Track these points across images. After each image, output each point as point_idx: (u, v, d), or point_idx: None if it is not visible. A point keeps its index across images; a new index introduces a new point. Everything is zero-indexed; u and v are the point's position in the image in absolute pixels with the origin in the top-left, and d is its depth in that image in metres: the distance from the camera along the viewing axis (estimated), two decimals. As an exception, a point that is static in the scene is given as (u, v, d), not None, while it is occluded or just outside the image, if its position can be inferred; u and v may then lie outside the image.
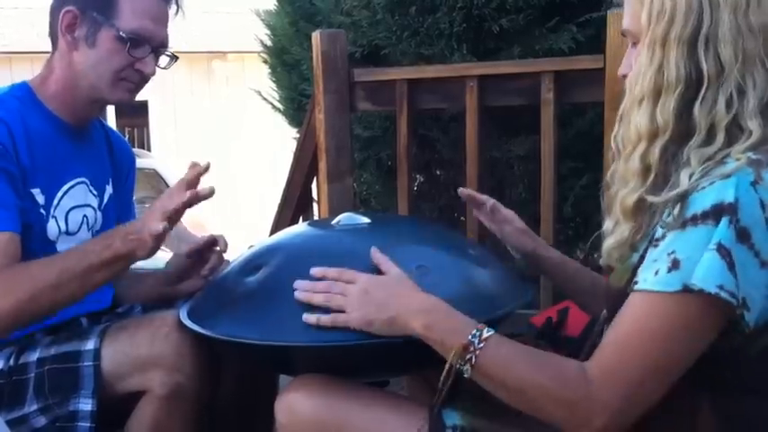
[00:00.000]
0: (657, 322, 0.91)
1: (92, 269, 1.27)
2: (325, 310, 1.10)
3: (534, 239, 1.40)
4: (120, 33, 1.39)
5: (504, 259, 1.38)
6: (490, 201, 1.42)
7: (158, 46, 1.45)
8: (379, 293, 1.07)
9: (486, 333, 0.98)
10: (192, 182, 1.27)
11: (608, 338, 0.95)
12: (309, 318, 1.10)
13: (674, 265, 0.90)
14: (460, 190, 1.47)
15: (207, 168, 1.29)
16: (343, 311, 1.08)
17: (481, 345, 0.97)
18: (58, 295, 1.28)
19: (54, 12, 1.43)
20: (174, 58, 1.51)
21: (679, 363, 0.92)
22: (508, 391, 0.98)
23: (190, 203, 1.24)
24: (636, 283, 0.93)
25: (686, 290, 0.88)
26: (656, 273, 0.91)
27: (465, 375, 0.99)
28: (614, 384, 0.92)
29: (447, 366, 0.99)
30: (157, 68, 1.47)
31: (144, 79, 1.46)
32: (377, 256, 1.15)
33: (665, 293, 0.90)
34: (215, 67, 10.36)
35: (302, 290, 1.12)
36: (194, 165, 1.30)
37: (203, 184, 1.27)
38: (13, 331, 1.33)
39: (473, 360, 0.97)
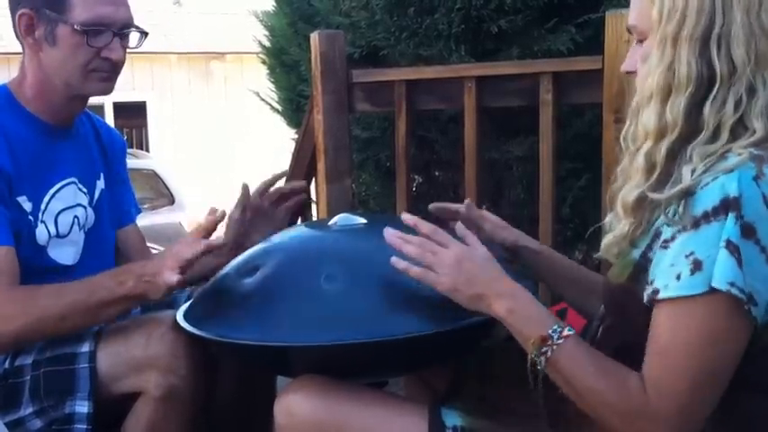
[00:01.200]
0: (692, 328, 0.90)
1: (101, 305, 1.28)
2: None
3: (514, 232, 1.38)
4: (75, 27, 1.36)
5: (503, 260, 1.37)
6: (464, 203, 1.41)
7: (121, 28, 1.41)
8: (470, 267, 1.07)
9: (567, 331, 0.99)
10: (208, 229, 1.29)
11: (650, 351, 0.94)
12: (399, 263, 1.09)
13: (696, 266, 0.89)
14: (430, 206, 1.46)
15: (222, 217, 1.31)
16: (431, 270, 1.07)
17: (560, 341, 0.98)
18: (62, 326, 1.29)
19: (12, 15, 1.41)
20: (143, 33, 1.47)
21: (724, 364, 0.92)
22: (574, 392, 0.98)
23: (204, 254, 1.25)
24: (657, 291, 0.93)
25: (712, 290, 0.88)
26: (679, 277, 0.90)
27: (539, 367, 0.99)
28: (668, 397, 0.91)
29: (530, 358, 0.99)
30: (133, 49, 1.45)
31: (115, 66, 1.42)
32: (462, 230, 1.14)
33: (692, 297, 0.89)
34: (213, 67, 10.36)
35: (395, 235, 1.11)
36: (213, 211, 1.31)
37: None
38: (11, 351, 1.33)
39: (548, 353, 0.98)
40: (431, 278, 1.07)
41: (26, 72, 1.43)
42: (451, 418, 1.10)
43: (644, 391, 0.93)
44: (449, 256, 1.08)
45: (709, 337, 0.90)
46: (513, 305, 1.03)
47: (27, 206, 1.38)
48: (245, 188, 1.60)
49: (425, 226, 1.12)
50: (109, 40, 1.39)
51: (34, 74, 1.42)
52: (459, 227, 1.15)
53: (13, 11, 1.40)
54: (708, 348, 0.90)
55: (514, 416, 1.11)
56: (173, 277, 1.22)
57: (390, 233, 1.11)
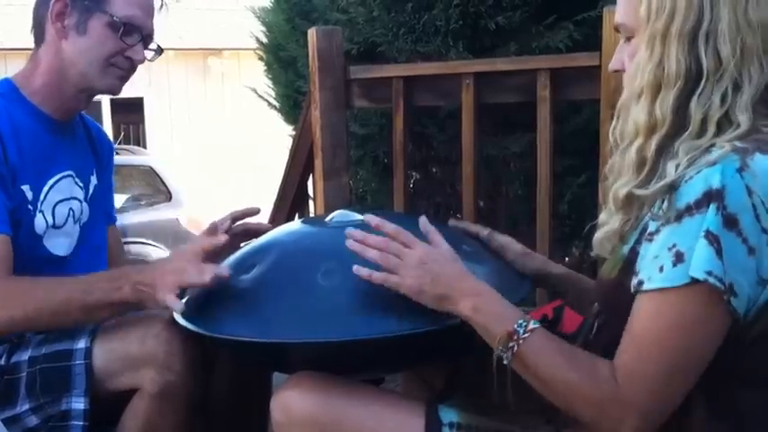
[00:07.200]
0: (670, 318, 0.91)
1: (95, 306, 1.28)
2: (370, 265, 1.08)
3: (537, 259, 1.37)
4: (114, 18, 1.40)
5: (500, 256, 1.37)
6: (484, 231, 1.39)
7: (147, 35, 1.47)
8: (435, 266, 1.07)
9: (532, 325, 0.99)
10: (210, 251, 1.27)
11: (626, 340, 0.95)
12: (362, 271, 1.08)
13: (678, 258, 0.90)
14: (451, 222, 1.44)
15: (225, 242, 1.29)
16: (394, 273, 1.07)
17: (525, 335, 0.98)
18: (55, 320, 1.29)
19: (42, 3, 1.43)
20: (159, 51, 1.53)
21: (699, 356, 0.92)
22: (543, 384, 0.99)
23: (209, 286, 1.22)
24: (641, 282, 0.93)
25: (693, 281, 0.89)
26: (661, 269, 0.91)
27: (504, 362, 0.99)
28: (639, 385, 0.92)
29: (495, 354, 1.00)
30: (146, 60, 1.48)
31: (132, 67, 1.47)
32: (426, 226, 1.14)
33: (673, 289, 0.90)
34: (211, 64, 10.35)
35: (356, 239, 1.11)
36: (212, 229, 1.32)
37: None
38: (6, 347, 1.33)
39: (515, 349, 0.98)
40: (393, 281, 1.07)
41: (39, 61, 1.45)
42: (448, 415, 1.10)
43: (614, 378, 0.93)
44: (412, 258, 1.07)
45: (685, 326, 0.91)
46: (477, 303, 1.03)
47: (29, 195, 1.39)
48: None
49: (389, 227, 1.11)
50: (137, 41, 1.44)
51: (49, 62, 1.43)
52: (423, 222, 1.14)
53: None
54: (682, 338, 0.91)
55: (512, 412, 1.11)
56: (174, 303, 1.21)
57: (352, 241, 1.11)
